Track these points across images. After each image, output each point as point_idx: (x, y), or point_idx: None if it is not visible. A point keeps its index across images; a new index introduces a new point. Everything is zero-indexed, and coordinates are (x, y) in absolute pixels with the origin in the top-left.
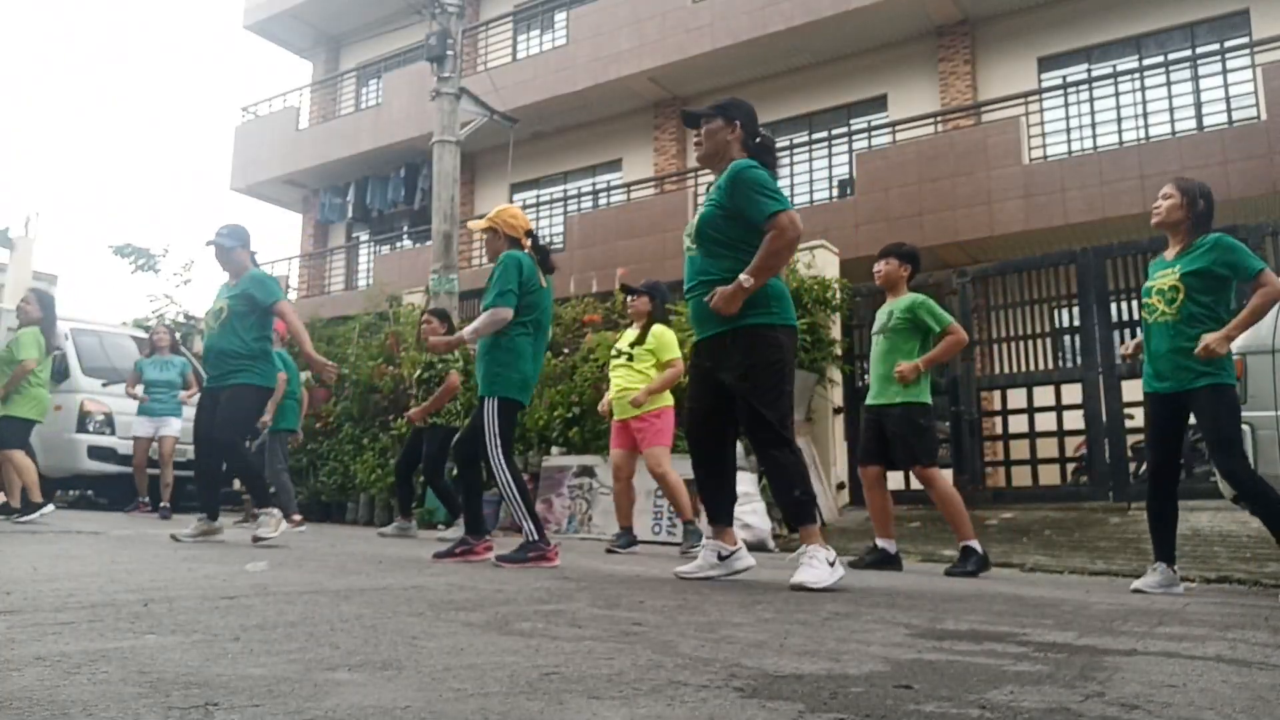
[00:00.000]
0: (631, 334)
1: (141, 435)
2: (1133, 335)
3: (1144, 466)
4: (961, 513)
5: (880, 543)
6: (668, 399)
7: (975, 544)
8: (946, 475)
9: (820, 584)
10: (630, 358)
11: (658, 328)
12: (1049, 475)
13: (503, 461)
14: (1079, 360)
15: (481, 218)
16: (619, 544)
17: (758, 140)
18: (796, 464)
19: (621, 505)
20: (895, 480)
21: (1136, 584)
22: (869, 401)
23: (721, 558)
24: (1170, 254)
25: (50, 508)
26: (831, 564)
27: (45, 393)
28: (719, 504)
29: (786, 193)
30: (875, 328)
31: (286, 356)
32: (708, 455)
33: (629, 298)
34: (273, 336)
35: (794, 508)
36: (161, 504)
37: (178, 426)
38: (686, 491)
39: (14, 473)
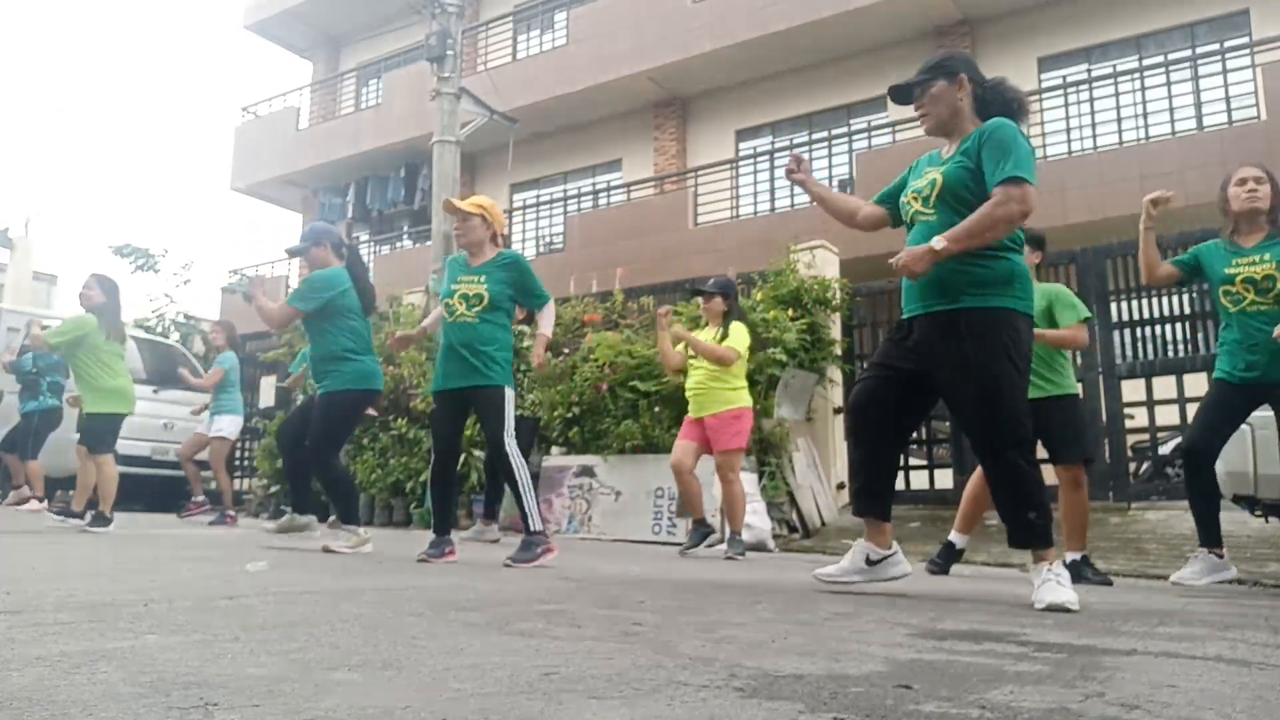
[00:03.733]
0: (708, 333)
1: (199, 430)
2: (1132, 335)
3: (1144, 466)
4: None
5: (1069, 555)
6: (745, 399)
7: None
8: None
9: (1075, 604)
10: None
11: (735, 325)
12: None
13: (518, 450)
14: (1079, 360)
15: (466, 199)
16: (690, 543)
17: (989, 86)
18: (1031, 476)
19: (688, 499)
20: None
21: (1174, 576)
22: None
23: (871, 562)
24: (1249, 241)
25: (111, 526)
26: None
27: (123, 382)
28: (873, 494)
29: (786, 192)
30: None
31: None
32: (867, 437)
33: (702, 300)
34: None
35: (1023, 531)
36: (228, 513)
37: (226, 426)
38: (745, 505)
39: (90, 475)
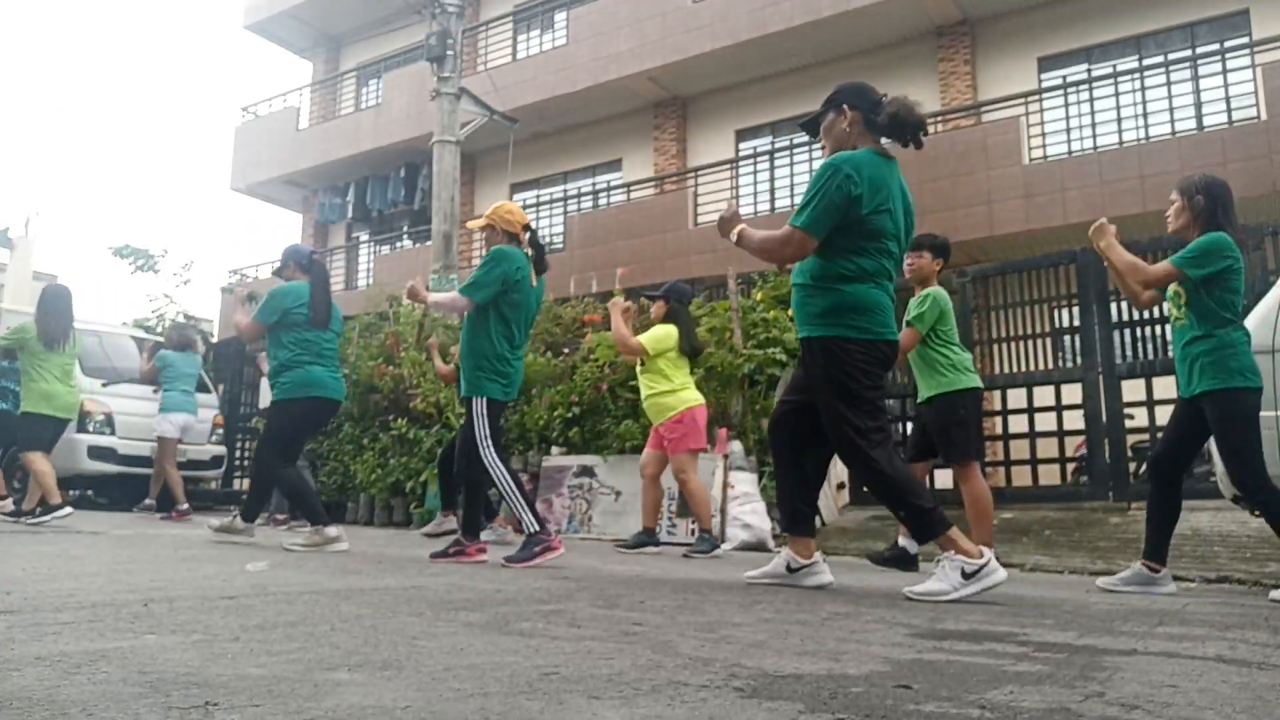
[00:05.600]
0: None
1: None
2: (1132, 335)
3: (1144, 466)
4: (987, 516)
5: (902, 540)
6: (693, 399)
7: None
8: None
9: (941, 596)
10: (642, 364)
11: (657, 326)
12: (1049, 475)
13: (496, 459)
14: (1079, 360)
15: (479, 217)
16: (629, 542)
17: (891, 113)
18: (883, 479)
19: (643, 504)
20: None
21: (1100, 581)
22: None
23: (791, 569)
24: None
25: (67, 510)
26: (971, 574)
27: (56, 387)
28: (792, 509)
29: (787, 192)
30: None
31: None
32: (782, 456)
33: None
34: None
35: (908, 525)
36: (146, 501)
37: (162, 425)
38: (707, 501)
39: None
